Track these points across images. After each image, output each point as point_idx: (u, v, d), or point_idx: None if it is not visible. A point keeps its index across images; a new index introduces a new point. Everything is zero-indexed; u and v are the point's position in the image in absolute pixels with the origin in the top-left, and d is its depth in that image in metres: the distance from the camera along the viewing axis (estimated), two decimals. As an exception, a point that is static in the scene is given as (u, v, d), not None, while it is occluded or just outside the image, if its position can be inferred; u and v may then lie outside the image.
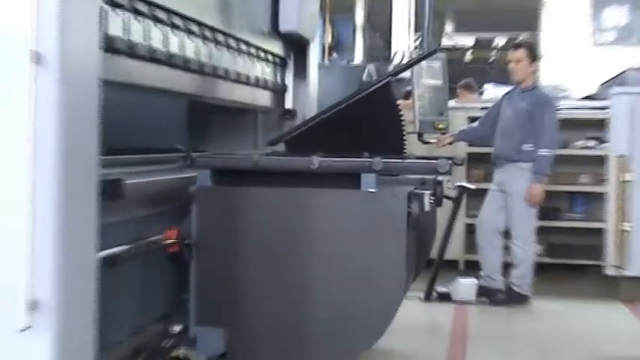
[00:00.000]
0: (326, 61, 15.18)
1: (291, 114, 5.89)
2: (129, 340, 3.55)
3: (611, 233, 7.59)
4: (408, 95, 9.07)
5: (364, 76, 11.90)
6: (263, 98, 5.50)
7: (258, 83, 5.27)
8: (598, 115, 8.44)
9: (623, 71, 10.10)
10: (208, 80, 4.48)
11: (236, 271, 3.94)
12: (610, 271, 7.56)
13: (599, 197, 8.19)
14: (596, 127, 8.45)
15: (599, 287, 7.72)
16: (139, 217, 3.66)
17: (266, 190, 4.01)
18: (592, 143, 8.69)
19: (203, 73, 4.35)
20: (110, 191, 3.13)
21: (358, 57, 20.95)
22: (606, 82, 11.01)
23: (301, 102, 5.97)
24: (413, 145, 7.14)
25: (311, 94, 6.05)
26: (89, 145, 2.81)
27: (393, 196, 3.92)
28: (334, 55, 19.03)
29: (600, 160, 8.12)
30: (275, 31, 5.44)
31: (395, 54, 14.46)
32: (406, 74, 7.32)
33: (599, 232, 7.90)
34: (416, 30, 20.29)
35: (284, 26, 5.46)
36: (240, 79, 4.92)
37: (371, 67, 12.20)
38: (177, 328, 3.87)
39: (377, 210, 3.89)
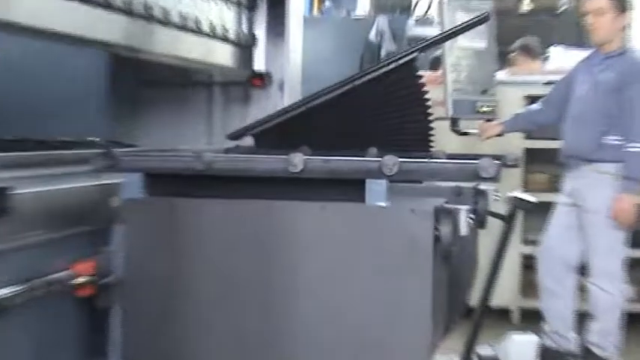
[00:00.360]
0: (315, 12, 15.24)
1: (262, 80, 5.89)
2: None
3: None
4: (436, 64, 9.11)
5: (372, 34, 11.97)
6: (221, 54, 5.51)
7: (215, 32, 5.28)
8: None
9: None
10: (139, 25, 4.50)
11: (179, 321, 3.96)
12: None
13: None
14: None
15: None
16: (35, 244, 3.67)
17: (224, 202, 4.03)
18: None
19: (132, 14, 4.37)
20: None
21: (363, 6, 21.01)
22: None
23: (278, 63, 5.99)
24: (444, 138, 7.20)
25: (292, 55, 6.06)
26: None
27: (413, 214, 3.93)
28: (327, 3, 19.08)
29: None
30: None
31: (417, 1, 14.54)
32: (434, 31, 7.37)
33: None
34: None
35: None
36: (187, 26, 4.94)
37: (381, 22, 12.26)
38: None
39: (389, 233, 3.90)
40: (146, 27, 4.53)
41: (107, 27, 4.18)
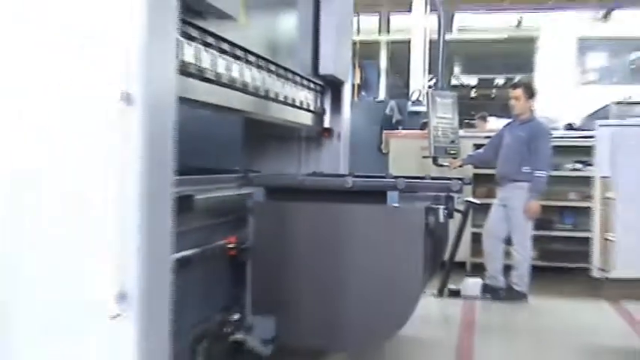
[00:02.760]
0: (356, 99, 15.25)
1: (329, 133, 5.91)
2: (197, 327, 3.58)
3: (596, 241, 7.55)
4: (424, 126, 9.09)
5: (387, 110, 11.95)
6: (306, 118, 5.54)
7: (302, 105, 5.31)
8: (584, 142, 8.39)
9: (605, 106, 10.05)
10: (261, 101, 4.53)
11: (284, 270, 3.97)
12: (596, 274, 7.51)
13: (586, 211, 8.16)
14: (583, 152, 8.40)
15: (586, 287, 7.64)
16: (206, 226, 3.70)
17: (309, 204, 4.05)
18: (579, 166, 8.65)
19: (257, 95, 4.40)
20: (183, 205, 3.17)
21: (382, 95, 21.00)
22: (590, 114, 10.97)
23: (337, 123, 5.99)
24: (429, 168, 7.19)
25: (345, 118, 6.08)
26: (166, 168, 2.86)
27: (413, 210, 3.94)
28: (362, 93, 19.10)
29: (587, 181, 8.09)
30: (315, 73, 5.50)
31: (412, 92, 14.49)
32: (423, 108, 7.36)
33: (585, 241, 7.86)
34: (430, 72, 20.33)
35: (323, 70, 5.51)
36: (288, 102, 4.97)
37: (392, 103, 12.25)
38: (235, 317, 3.88)
39: (400, 221, 3.91)
40: (265, 102, 4.57)
41: (243, 101, 4.22)
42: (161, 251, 2.81)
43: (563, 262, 8.52)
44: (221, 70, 3.81)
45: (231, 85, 3.96)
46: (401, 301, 3.89)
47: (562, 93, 18.57)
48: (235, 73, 4.00)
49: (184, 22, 3.27)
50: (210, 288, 3.75)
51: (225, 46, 3.86)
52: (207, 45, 3.64)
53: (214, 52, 3.72)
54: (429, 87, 15.69)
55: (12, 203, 2.71)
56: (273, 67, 4.62)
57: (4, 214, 2.71)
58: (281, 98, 4.81)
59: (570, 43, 19.47)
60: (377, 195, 3.96)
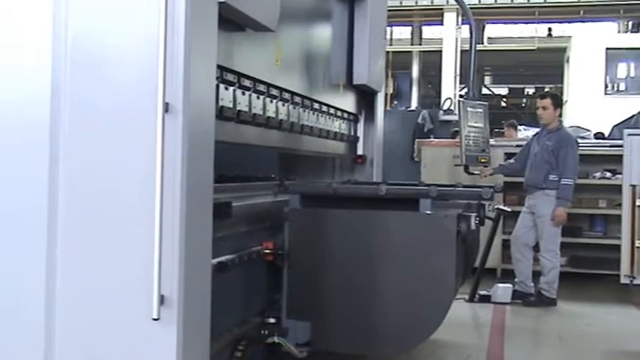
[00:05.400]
0: (389, 108, 15.21)
1: (362, 159, 5.92)
2: (234, 330, 3.58)
3: (625, 248, 7.42)
4: (455, 135, 9.02)
5: (419, 119, 11.89)
6: (340, 147, 5.55)
7: (336, 136, 5.32)
8: (613, 151, 8.26)
9: (633, 115, 9.90)
10: (296, 137, 4.55)
11: (320, 275, 3.93)
12: (624, 280, 7.38)
13: (615, 219, 8.03)
14: (612, 161, 8.27)
15: (614, 293, 7.53)
16: (244, 232, 3.70)
17: (343, 211, 4.01)
18: (608, 175, 8.52)
19: (292, 131, 4.42)
20: (222, 211, 3.18)
21: (414, 104, 20.93)
22: (619, 124, 10.80)
23: (370, 150, 6.00)
24: (461, 176, 7.12)
25: (378, 139, 6.06)
26: (206, 175, 2.87)
27: (445, 217, 3.89)
28: (395, 102, 19.06)
29: (616, 189, 7.95)
30: (349, 83, 5.48)
31: (444, 101, 14.41)
32: (454, 117, 7.29)
33: (614, 248, 7.72)
34: (461, 82, 20.23)
35: (357, 80, 5.50)
36: (322, 134, 4.99)
37: (424, 112, 12.18)
38: (272, 321, 3.87)
39: (432, 228, 3.86)
40: (299, 137, 4.62)
41: (277, 139, 4.24)
42: (200, 256, 2.81)
43: (593, 268, 8.38)
44: (257, 110, 3.82)
45: (266, 124, 3.98)
46: (434, 305, 3.85)
47: (591, 102, 18.34)
48: (271, 112, 4.01)
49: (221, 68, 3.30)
50: (247, 292, 3.74)
51: (262, 87, 3.87)
52: (243, 88, 3.65)
53: (250, 93, 3.74)
54: (461, 96, 15.60)
55: (58, 208, 2.74)
56: (307, 102, 4.64)
57: (47, 215, 2.74)
58: (315, 132, 4.83)
59: (599, 53, 19.20)
60: (410, 202, 3.92)
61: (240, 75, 3.57)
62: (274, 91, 4.05)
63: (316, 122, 4.82)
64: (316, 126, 4.82)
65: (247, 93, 3.69)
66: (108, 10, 2.71)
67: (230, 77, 3.46)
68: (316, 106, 4.81)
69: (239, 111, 3.59)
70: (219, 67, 3.14)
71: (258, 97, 3.83)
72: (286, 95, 4.24)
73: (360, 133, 5.95)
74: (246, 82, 3.66)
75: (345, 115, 5.53)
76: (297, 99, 4.44)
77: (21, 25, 2.78)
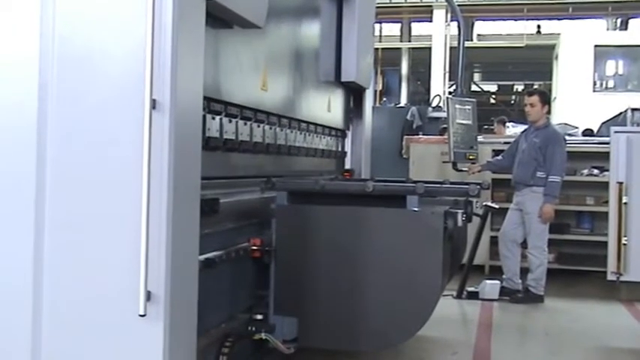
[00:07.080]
0: (377, 104, 15.22)
1: (350, 174, 5.96)
2: (222, 326, 3.58)
3: (611, 245, 7.44)
4: (443, 132, 9.04)
5: (408, 116, 11.91)
6: (328, 163, 5.59)
7: (324, 153, 5.34)
8: (601, 148, 8.31)
9: (621, 112, 9.96)
10: (285, 158, 4.59)
11: (307, 271, 3.94)
12: (610, 277, 7.40)
13: (602, 216, 8.04)
14: (600, 158, 8.31)
15: (601, 290, 7.55)
16: (231, 228, 3.69)
17: (331, 208, 4.02)
18: (596, 172, 8.57)
19: (280, 154, 4.46)
20: (209, 208, 3.18)
21: (403, 100, 20.95)
22: (607, 121, 10.86)
23: (357, 164, 6.06)
24: (448, 173, 7.14)
25: (366, 135, 6.09)
26: (193, 172, 2.86)
27: (432, 214, 3.91)
28: (384, 99, 19.08)
29: (603, 186, 7.97)
30: (338, 80, 5.48)
31: (433, 98, 14.44)
32: (443, 114, 7.30)
33: (601, 245, 7.73)
34: (450, 79, 20.27)
35: (345, 77, 5.50)
36: (310, 153, 5.02)
37: (413, 109, 12.20)
38: (259, 317, 3.87)
39: (419, 225, 3.88)
40: (288, 158, 4.68)
41: (266, 162, 4.32)
42: (187, 252, 2.81)
43: (580, 265, 8.41)
44: (244, 137, 3.86)
45: (252, 150, 4.02)
46: (420, 302, 3.87)
47: (580, 99, 18.42)
48: (257, 138, 4.04)
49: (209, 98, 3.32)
50: (234, 289, 3.74)
51: (249, 113, 3.91)
52: (230, 116, 3.68)
53: (237, 120, 3.77)
54: (449, 93, 15.64)
55: (45, 205, 2.73)
56: (295, 124, 4.68)
57: (34, 213, 2.74)
58: (302, 151, 4.88)
59: (588, 50, 19.29)
60: (397, 199, 3.94)
61: (226, 104, 3.62)
62: (261, 116, 4.11)
63: (303, 142, 4.88)
64: (303, 145, 4.88)
65: (234, 120, 3.73)
66: (95, 7, 2.70)
67: (217, 107, 3.51)
68: (303, 126, 4.87)
69: (225, 140, 3.63)
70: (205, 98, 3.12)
71: (245, 124, 3.87)
72: (273, 119, 4.30)
73: (348, 146, 6.02)
74: (233, 110, 3.70)
75: (333, 132, 5.58)
76: (284, 121, 4.50)
77: (7, 24, 2.77)
